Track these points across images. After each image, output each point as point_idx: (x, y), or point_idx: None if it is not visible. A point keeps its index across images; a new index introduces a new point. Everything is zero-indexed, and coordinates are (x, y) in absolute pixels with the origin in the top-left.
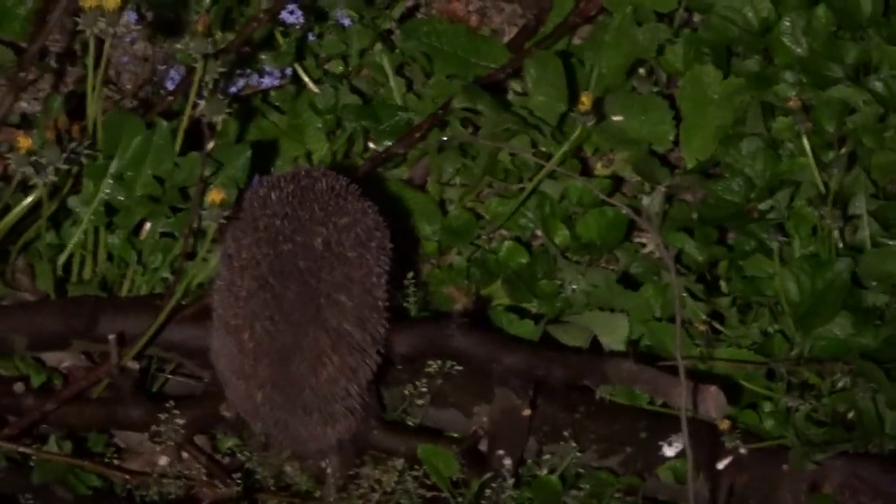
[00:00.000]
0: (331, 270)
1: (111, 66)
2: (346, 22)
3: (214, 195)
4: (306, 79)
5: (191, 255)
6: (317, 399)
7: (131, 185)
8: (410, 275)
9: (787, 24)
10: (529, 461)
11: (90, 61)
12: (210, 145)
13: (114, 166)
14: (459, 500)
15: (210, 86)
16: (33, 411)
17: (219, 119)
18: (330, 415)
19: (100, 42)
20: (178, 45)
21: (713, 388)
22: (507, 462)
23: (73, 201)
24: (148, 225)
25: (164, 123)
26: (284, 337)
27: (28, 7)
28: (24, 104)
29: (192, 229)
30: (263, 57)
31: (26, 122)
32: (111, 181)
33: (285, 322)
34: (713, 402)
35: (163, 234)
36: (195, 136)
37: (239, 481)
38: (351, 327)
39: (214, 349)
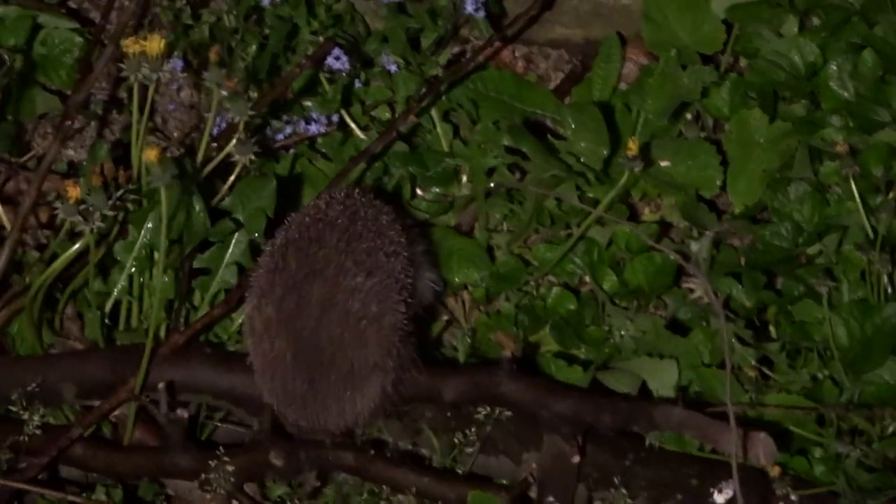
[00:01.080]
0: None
1: (157, 113)
2: (393, 68)
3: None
4: (353, 125)
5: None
6: (347, 360)
7: (169, 229)
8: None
9: (834, 68)
10: None
11: (135, 108)
12: (231, 179)
13: (155, 211)
14: None
15: (241, 127)
16: (86, 460)
17: (246, 158)
18: (360, 377)
19: (144, 89)
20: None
21: (763, 435)
22: None
23: (118, 248)
24: None
25: (189, 164)
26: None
27: (74, 55)
28: (71, 152)
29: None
30: (310, 104)
31: (73, 171)
32: (150, 226)
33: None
34: (763, 449)
35: (198, 271)
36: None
37: None
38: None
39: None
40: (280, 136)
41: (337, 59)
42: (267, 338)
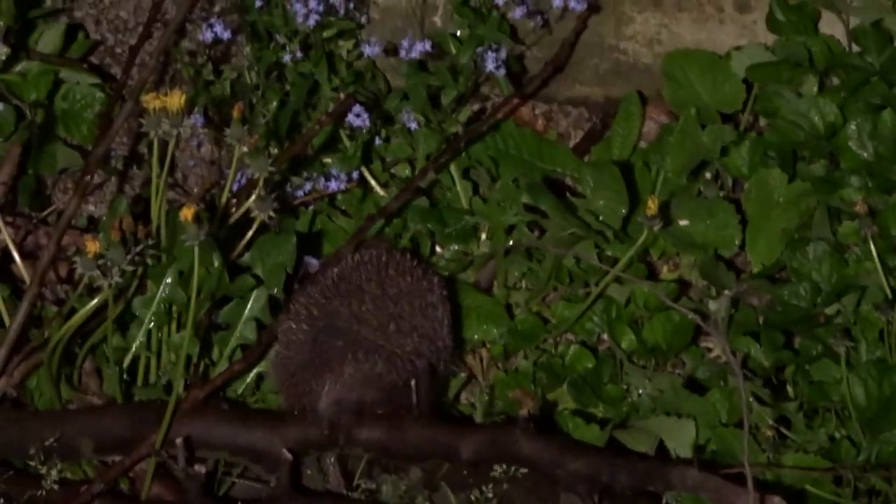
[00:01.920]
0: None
1: (178, 169)
2: (413, 125)
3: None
4: (373, 182)
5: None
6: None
7: (188, 284)
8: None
9: (853, 128)
10: None
11: (154, 163)
12: (249, 234)
13: (173, 266)
14: None
15: (261, 183)
16: None
17: (265, 215)
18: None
19: (164, 144)
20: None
21: (777, 499)
22: None
23: (136, 303)
24: None
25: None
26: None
27: (95, 110)
28: (91, 207)
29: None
30: (329, 160)
31: (93, 225)
32: (169, 281)
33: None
34: None
35: (217, 328)
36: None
37: None
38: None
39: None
40: (300, 193)
41: (357, 115)
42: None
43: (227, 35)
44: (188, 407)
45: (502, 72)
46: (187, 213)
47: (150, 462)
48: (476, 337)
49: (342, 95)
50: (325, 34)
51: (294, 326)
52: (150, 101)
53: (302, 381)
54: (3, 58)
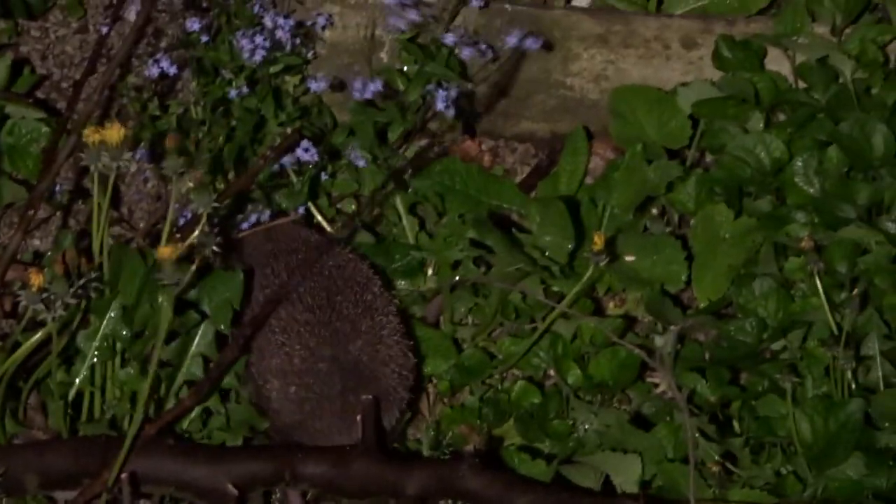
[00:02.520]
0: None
1: (124, 204)
2: (360, 162)
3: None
4: (319, 217)
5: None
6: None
7: (131, 319)
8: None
9: (800, 164)
10: None
11: (96, 197)
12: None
13: (117, 301)
14: None
15: (205, 218)
16: None
17: (208, 250)
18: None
19: (107, 178)
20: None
21: None
22: None
23: (80, 337)
24: None
25: (155, 255)
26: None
27: (41, 145)
28: (36, 241)
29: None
30: (276, 195)
31: (39, 260)
32: (113, 315)
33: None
34: None
35: (163, 364)
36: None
37: None
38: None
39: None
40: (245, 226)
41: (306, 150)
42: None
43: (173, 70)
44: (140, 443)
45: (452, 112)
46: (164, 253)
47: (101, 500)
48: (427, 370)
49: (289, 130)
50: (272, 69)
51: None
52: (90, 134)
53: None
54: None
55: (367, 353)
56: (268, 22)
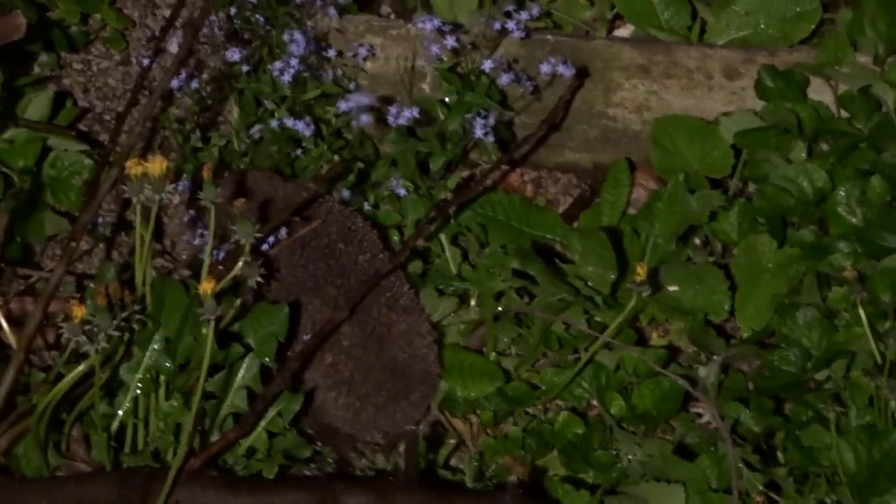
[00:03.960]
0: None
1: (167, 236)
2: (402, 192)
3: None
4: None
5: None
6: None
7: (174, 351)
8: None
9: (842, 194)
10: None
11: (138, 230)
12: (238, 301)
13: (160, 333)
14: None
15: (247, 249)
16: None
17: (252, 281)
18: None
19: (149, 210)
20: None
21: None
22: None
23: (123, 369)
24: None
25: (198, 287)
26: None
27: (83, 177)
28: (79, 273)
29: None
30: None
31: (81, 292)
32: (156, 347)
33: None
34: None
35: (207, 396)
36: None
37: None
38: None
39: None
40: (264, 247)
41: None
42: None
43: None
44: (184, 475)
45: (491, 139)
46: (206, 287)
47: None
48: (472, 394)
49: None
50: (310, 96)
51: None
52: (132, 167)
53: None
54: None
55: (402, 349)
56: (296, 49)
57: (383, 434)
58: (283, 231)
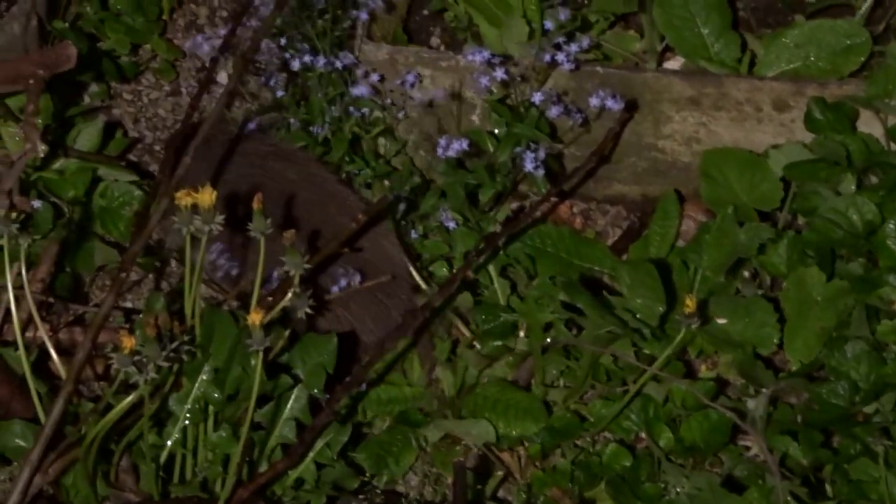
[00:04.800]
0: None
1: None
2: (451, 224)
3: None
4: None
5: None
6: None
7: (223, 382)
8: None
9: (892, 226)
10: None
11: (187, 260)
12: (286, 332)
13: (209, 364)
14: None
15: (297, 280)
16: None
17: (302, 312)
18: None
19: (198, 241)
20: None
21: None
22: None
23: (172, 400)
24: None
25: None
26: None
27: (133, 208)
28: (128, 304)
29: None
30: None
31: (130, 322)
32: (205, 378)
33: None
34: None
35: (255, 427)
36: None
37: None
38: None
39: None
40: (335, 289)
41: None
42: None
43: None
44: None
45: (541, 171)
46: (255, 318)
47: None
48: (515, 433)
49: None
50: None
51: None
52: (182, 197)
53: None
54: (42, 156)
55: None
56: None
57: None
58: (357, 279)
